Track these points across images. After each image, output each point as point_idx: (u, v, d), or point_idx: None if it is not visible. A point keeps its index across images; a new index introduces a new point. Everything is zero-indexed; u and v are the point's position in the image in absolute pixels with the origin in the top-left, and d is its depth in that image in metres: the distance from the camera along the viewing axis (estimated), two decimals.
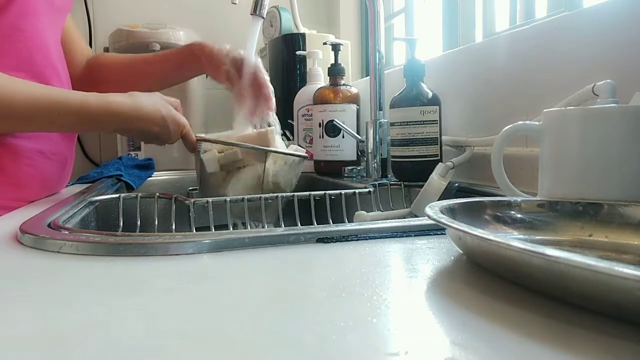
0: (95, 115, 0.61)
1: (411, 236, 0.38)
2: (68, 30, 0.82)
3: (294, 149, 0.74)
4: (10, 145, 0.62)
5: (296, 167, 0.73)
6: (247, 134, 0.72)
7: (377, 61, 0.82)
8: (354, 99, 0.96)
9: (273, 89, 0.79)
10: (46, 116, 0.59)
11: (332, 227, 0.38)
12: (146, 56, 0.90)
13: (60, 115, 0.59)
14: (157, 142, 0.70)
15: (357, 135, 0.88)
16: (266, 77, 0.79)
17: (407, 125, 0.71)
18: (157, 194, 0.64)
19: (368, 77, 0.87)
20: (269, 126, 0.75)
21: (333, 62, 0.98)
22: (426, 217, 0.31)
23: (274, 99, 0.78)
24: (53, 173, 0.71)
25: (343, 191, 0.68)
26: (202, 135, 0.72)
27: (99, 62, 0.88)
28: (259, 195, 0.65)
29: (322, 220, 0.63)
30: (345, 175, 0.88)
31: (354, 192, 0.70)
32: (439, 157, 0.71)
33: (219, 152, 0.70)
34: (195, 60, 0.81)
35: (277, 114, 0.79)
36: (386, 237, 0.38)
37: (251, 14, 0.76)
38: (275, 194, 0.66)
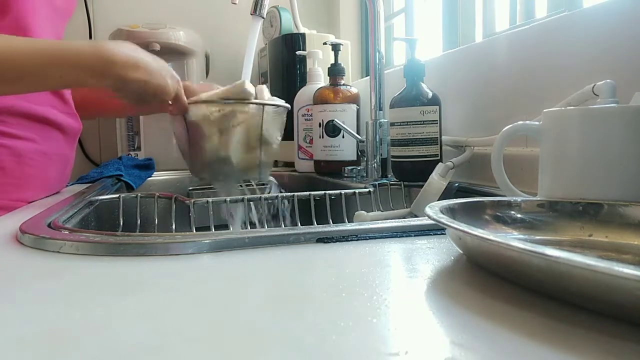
0: (92, 64, 0.56)
1: (411, 236, 0.38)
2: None
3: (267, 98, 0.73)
4: (13, 147, 0.63)
5: (279, 117, 0.72)
6: (225, 89, 0.71)
7: (377, 61, 0.82)
8: (354, 99, 0.96)
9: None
10: (39, 70, 0.54)
11: (332, 227, 0.38)
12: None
13: (55, 67, 0.55)
14: (154, 99, 0.64)
15: (357, 135, 0.88)
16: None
17: (407, 125, 0.71)
18: (157, 194, 0.64)
19: (368, 77, 0.87)
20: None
21: (333, 62, 0.98)
22: (426, 217, 0.31)
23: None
24: (54, 173, 0.71)
25: (343, 191, 0.68)
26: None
27: None
28: (259, 196, 0.65)
29: (322, 220, 0.63)
30: (345, 175, 0.88)
31: (354, 192, 0.70)
32: (439, 157, 0.71)
33: (210, 113, 0.68)
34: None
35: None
36: (386, 237, 0.38)
37: (251, 14, 0.76)
38: (276, 194, 0.66)
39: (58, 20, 0.72)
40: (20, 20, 0.62)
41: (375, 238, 0.37)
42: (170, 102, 0.65)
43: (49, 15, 0.68)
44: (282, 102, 0.72)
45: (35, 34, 0.65)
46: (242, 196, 0.64)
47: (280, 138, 0.74)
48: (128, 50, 0.59)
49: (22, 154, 0.64)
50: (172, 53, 1.19)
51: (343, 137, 0.93)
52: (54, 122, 0.69)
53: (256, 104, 0.67)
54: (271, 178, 0.74)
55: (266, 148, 0.69)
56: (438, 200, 0.51)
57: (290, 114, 1.07)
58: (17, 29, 0.62)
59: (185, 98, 0.66)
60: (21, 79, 0.55)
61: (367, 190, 0.72)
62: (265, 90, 0.72)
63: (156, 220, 0.62)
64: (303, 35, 1.19)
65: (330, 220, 0.67)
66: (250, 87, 0.68)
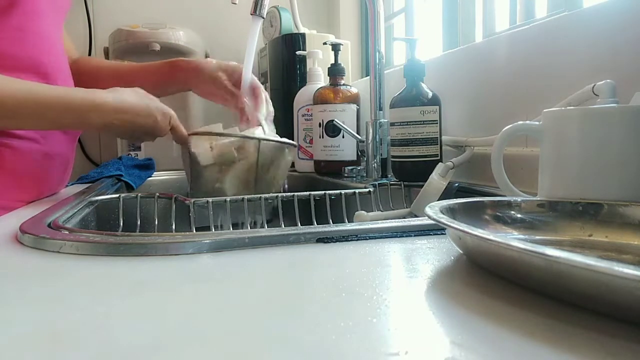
0: (80, 110, 0.60)
1: (411, 236, 0.38)
2: None
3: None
4: (15, 147, 0.63)
5: (286, 156, 0.73)
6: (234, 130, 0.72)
7: (377, 61, 0.82)
8: (354, 99, 0.96)
9: (268, 96, 0.78)
10: (32, 112, 0.58)
11: (332, 227, 0.38)
12: (132, 66, 0.88)
13: (46, 111, 0.58)
14: (147, 137, 0.68)
15: (357, 135, 0.88)
16: (260, 86, 0.78)
17: (407, 125, 0.71)
18: (157, 194, 0.64)
19: (368, 77, 0.88)
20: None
21: (333, 62, 0.98)
22: (426, 217, 0.31)
23: (265, 105, 0.77)
24: (55, 174, 0.71)
25: (343, 191, 0.68)
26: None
27: (83, 67, 0.86)
28: (259, 195, 0.65)
29: (322, 220, 0.63)
30: (345, 175, 0.88)
31: (354, 192, 0.70)
32: (439, 157, 0.71)
33: (211, 147, 0.69)
34: (181, 75, 0.80)
35: (274, 119, 0.78)
36: (386, 237, 0.38)
37: (251, 14, 0.76)
38: (275, 194, 0.66)
39: (58, 17, 0.72)
40: (24, 21, 0.63)
41: (375, 238, 0.37)
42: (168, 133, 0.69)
43: (51, 14, 0.68)
44: (285, 140, 0.72)
45: (40, 32, 0.65)
46: (242, 196, 0.64)
47: (283, 178, 0.74)
48: (114, 96, 0.62)
49: (24, 154, 0.64)
50: (172, 53, 1.19)
51: (343, 137, 0.93)
52: None
53: (253, 139, 0.68)
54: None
55: (261, 186, 0.69)
56: (438, 200, 0.51)
57: (290, 114, 1.07)
58: (21, 30, 0.62)
59: (183, 130, 0.70)
60: (16, 122, 0.59)
61: (367, 190, 0.72)
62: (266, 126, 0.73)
63: (156, 220, 0.62)
64: (303, 35, 1.19)
65: (330, 220, 0.67)
66: (259, 132, 0.70)
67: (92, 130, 0.63)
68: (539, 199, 0.40)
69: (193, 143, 0.70)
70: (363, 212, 0.65)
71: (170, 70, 0.81)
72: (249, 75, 0.77)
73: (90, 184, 0.81)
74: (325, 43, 1.01)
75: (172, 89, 0.84)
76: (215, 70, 0.78)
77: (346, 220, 0.68)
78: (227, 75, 0.78)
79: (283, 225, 0.64)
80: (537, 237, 0.36)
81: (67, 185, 0.81)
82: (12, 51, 0.62)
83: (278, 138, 0.72)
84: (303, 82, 1.10)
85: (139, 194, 0.64)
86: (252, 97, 0.77)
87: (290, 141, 0.73)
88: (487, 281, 0.27)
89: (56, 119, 0.60)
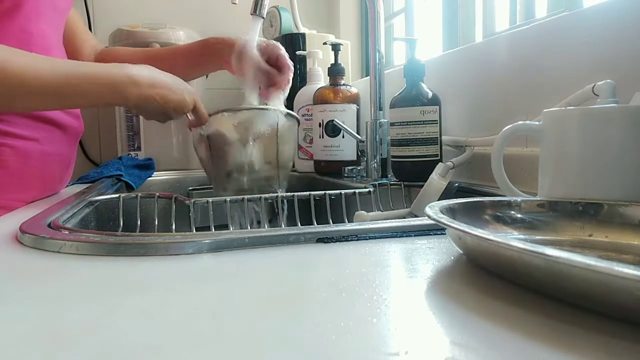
0: (120, 84, 0.61)
1: (411, 236, 0.38)
2: (73, 25, 0.82)
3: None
4: (17, 147, 0.63)
5: (295, 131, 0.76)
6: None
7: (377, 61, 0.82)
8: (354, 99, 0.96)
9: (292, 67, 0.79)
10: (74, 90, 0.58)
11: (332, 227, 0.38)
12: (162, 50, 0.89)
13: (88, 87, 0.59)
14: (174, 113, 0.68)
15: (357, 135, 0.88)
16: (285, 55, 0.79)
17: (407, 125, 0.71)
18: (157, 194, 0.64)
19: (368, 77, 0.88)
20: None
21: (333, 62, 0.98)
22: (426, 217, 0.31)
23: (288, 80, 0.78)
24: (56, 174, 0.71)
25: (343, 191, 0.68)
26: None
27: (110, 55, 0.87)
28: (259, 196, 0.65)
29: (322, 220, 0.63)
30: (345, 175, 0.88)
31: (354, 192, 0.70)
32: (439, 157, 0.71)
33: (233, 125, 0.71)
34: (215, 51, 0.81)
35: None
36: (386, 237, 0.38)
37: (251, 14, 0.76)
38: (276, 194, 0.66)
39: (58, 18, 0.72)
40: (27, 23, 0.63)
41: (375, 238, 0.37)
42: (189, 115, 0.69)
43: (51, 15, 0.68)
44: (294, 113, 0.75)
45: (41, 35, 0.65)
46: (241, 196, 0.64)
47: (294, 149, 0.76)
48: (147, 72, 0.63)
49: (26, 154, 0.64)
50: None
51: (343, 137, 0.93)
52: (57, 122, 0.69)
53: (270, 109, 0.70)
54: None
55: (282, 158, 0.72)
56: (438, 200, 0.51)
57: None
58: (23, 33, 0.62)
59: (204, 110, 0.71)
60: (46, 95, 0.58)
61: (367, 190, 0.72)
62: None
63: (156, 220, 0.62)
64: (303, 35, 1.19)
65: (330, 220, 0.67)
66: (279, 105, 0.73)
67: (128, 105, 0.63)
68: (539, 199, 0.40)
69: (216, 122, 0.71)
70: (363, 212, 0.65)
71: (202, 48, 0.82)
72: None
73: (90, 184, 0.81)
74: (325, 43, 1.01)
75: (205, 69, 0.86)
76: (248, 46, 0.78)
77: (346, 220, 0.68)
78: (261, 52, 0.78)
79: (283, 225, 0.64)
80: (537, 237, 0.36)
81: (67, 185, 0.81)
82: None
83: (290, 112, 0.74)
84: (303, 82, 1.10)
85: (139, 194, 0.64)
86: (277, 67, 0.77)
87: (296, 115, 0.76)
88: (487, 281, 0.27)
89: (97, 95, 0.60)
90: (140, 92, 0.62)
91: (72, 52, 0.81)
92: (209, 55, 0.82)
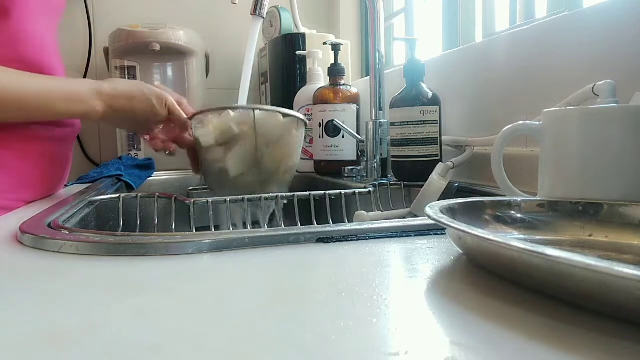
0: (84, 98, 0.62)
1: (411, 236, 0.38)
2: None
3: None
4: (17, 148, 0.63)
5: (292, 132, 0.71)
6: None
7: (377, 61, 0.82)
8: (354, 99, 0.96)
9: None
10: (39, 105, 0.59)
11: (332, 227, 0.38)
12: None
13: (53, 102, 0.60)
14: (148, 124, 0.68)
15: (357, 135, 0.88)
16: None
17: (407, 125, 0.71)
18: (157, 194, 0.64)
19: (368, 77, 0.88)
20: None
21: (333, 62, 0.98)
22: (426, 217, 0.31)
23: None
24: (54, 174, 0.71)
25: (343, 191, 0.68)
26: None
27: None
28: (259, 196, 0.65)
29: (322, 220, 0.63)
30: (345, 175, 0.88)
31: (354, 192, 0.70)
32: (439, 157, 0.71)
33: (213, 129, 0.69)
34: None
35: None
36: (386, 237, 0.38)
37: (251, 14, 0.76)
38: (275, 194, 0.66)
39: (52, 18, 0.72)
40: (21, 24, 0.63)
41: (375, 238, 0.37)
42: (166, 121, 0.69)
43: (44, 15, 0.68)
44: (287, 110, 0.70)
45: (37, 35, 0.65)
46: (242, 196, 0.64)
47: (293, 157, 0.72)
48: (109, 84, 0.65)
49: (24, 154, 0.64)
50: (172, 53, 1.20)
51: (343, 137, 0.93)
52: (54, 121, 0.69)
53: (247, 108, 0.68)
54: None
55: (272, 164, 0.69)
56: (438, 200, 0.51)
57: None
58: (18, 33, 0.62)
59: (181, 113, 0.70)
60: (11, 110, 0.59)
61: (367, 190, 0.72)
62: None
63: (156, 220, 0.62)
64: (303, 35, 1.19)
65: (330, 220, 0.67)
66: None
67: (95, 117, 0.64)
68: (539, 199, 0.40)
69: (194, 126, 0.70)
70: (363, 212, 0.65)
71: None
72: (249, 75, 0.76)
73: (90, 184, 0.81)
74: (325, 43, 1.01)
75: None
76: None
77: (346, 220, 0.68)
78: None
79: (283, 225, 0.64)
80: (537, 237, 0.36)
81: (67, 185, 0.81)
82: (12, 54, 0.62)
83: (277, 108, 0.70)
84: (303, 82, 1.10)
85: (139, 194, 0.64)
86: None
87: (295, 113, 0.71)
88: (487, 281, 0.27)
89: (64, 108, 0.61)
90: (105, 104, 0.63)
91: None
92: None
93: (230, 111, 0.69)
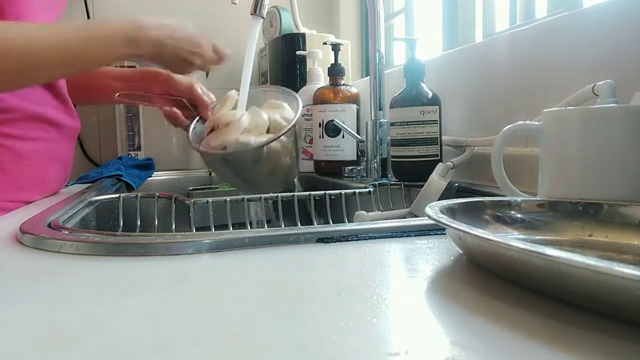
0: (128, 30, 0.60)
1: (411, 236, 0.38)
2: None
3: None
4: (13, 148, 0.63)
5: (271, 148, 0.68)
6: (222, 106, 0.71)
7: (377, 61, 0.82)
8: (354, 99, 0.96)
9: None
10: (86, 47, 0.57)
11: (332, 227, 0.38)
12: (103, 70, 0.84)
13: (99, 40, 0.57)
14: (190, 55, 0.65)
15: (357, 135, 0.88)
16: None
17: (407, 125, 0.71)
18: (157, 194, 0.64)
19: (368, 77, 0.88)
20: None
21: (333, 62, 0.98)
22: (426, 217, 0.31)
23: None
24: (54, 174, 0.71)
25: (343, 191, 0.68)
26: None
27: None
28: (259, 196, 0.65)
29: (322, 220, 0.63)
30: (345, 175, 0.88)
31: (354, 192, 0.70)
32: (439, 157, 0.71)
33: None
34: (154, 83, 0.79)
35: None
36: (386, 237, 0.38)
37: (251, 14, 0.76)
38: (275, 194, 0.66)
39: (51, 15, 0.72)
40: (21, 17, 0.62)
41: (375, 238, 0.37)
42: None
43: (43, 13, 0.68)
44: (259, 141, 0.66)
45: None
46: (242, 196, 0.64)
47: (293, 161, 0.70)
48: (152, 18, 0.64)
49: (23, 154, 0.64)
50: None
51: (343, 137, 0.93)
52: (54, 122, 0.69)
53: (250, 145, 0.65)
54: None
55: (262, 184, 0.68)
56: (438, 200, 0.51)
57: None
58: None
59: (219, 46, 0.69)
60: (59, 65, 0.56)
61: (367, 190, 0.72)
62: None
63: (156, 220, 0.62)
64: (303, 35, 1.19)
65: (330, 220, 0.67)
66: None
67: (143, 54, 0.62)
68: (539, 199, 0.40)
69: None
70: (363, 212, 0.65)
71: (142, 74, 0.80)
72: (249, 75, 0.76)
73: (90, 184, 0.81)
74: (325, 43, 1.01)
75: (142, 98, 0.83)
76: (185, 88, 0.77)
77: (346, 220, 0.68)
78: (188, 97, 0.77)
79: (283, 225, 0.64)
80: (537, 237, 0.36)
81: (67, 185, 0.81)
82: None
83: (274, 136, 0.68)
84: (303, 82, 1.10)
85: (139, 194, 0.64)
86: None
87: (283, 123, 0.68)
88: (487, 281, 0.27)
89: (111, 47, 0.59)
90: (148, 35, 0.61)
91: None
92: (148, 82, 0.79)
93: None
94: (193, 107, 0.76)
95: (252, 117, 0.68)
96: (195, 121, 0.73)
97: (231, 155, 0.65)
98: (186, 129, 0.73)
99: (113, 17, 0.59)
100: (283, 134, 0.65)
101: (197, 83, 0.77)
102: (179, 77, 0.77)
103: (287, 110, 0.70)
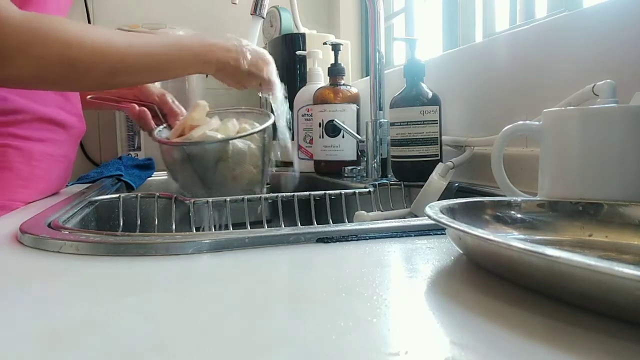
0: (204, 52, 0.64)
1: (411, 236, 0.38)
2: None
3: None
4: (22, 148, 0.63)
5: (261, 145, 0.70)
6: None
7: (377, 61, 0.82)
8: (354, 99, 0.96)
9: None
10: (169, 61, 0.61)
11: (332, 227, 0.38)
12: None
13: (181, 55, 0.62)
14: (249, 79, 0.68)
15: (357, 135, 0.88)
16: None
17: (407, 125, 0.71)
18: (157, 194, 0.64)
19: (368, 77, 0.88)
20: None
21: (333, 62, 0.98)
22: (426, 217, 0.31)
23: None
24: (57, 174, 0.71)
25: (343, 191, 0.68)
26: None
27: None
28: (258, 196, 0.65)
29: (322, 220, 0.63)
30: (345, 175, 0.88)
31: (354, 192, 0.70)
32: (439, 157, 0.71)
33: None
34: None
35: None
36: (386, 237, 0.38)
37: (251, 14, 0.76)
38: (276, 194, 0.66)
39: (64, 11, 0.72)
40: None
41: (375, 238, 0.37)
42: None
43: (55, 12, 0.68)
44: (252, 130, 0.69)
45: None
46: (242, 196, 0.64)
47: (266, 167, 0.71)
48: (219, 41, 0.66)
49: (31, 155, 0.64)
50: None
51: (343, 137, 0.93)
52: (61, 123, 0.69)
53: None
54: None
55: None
56: (438, 200, 0.51)
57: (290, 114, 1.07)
58: None
59: (276, 78, 0.71)
60: (142, 72, 0.60)
61: (367, 190, 0.72)
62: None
63: (156, 220, 0.62)
64: (303, 35, 1.19)
65: (330, 220, 0.67)
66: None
67: (210, 71, 0.66)
68: (539, 199, 0.40)
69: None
70: (363, 212, 0.65)
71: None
72: None
73: (90, 184, 0.81)
74: (325, 43, 1.01)
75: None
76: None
77: (346, 220, 0.68)
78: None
79: (283, 225, 0.64)
80: (537, 237, 0.36)
81: (67, 185, 0.81)
82: None
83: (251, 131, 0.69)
84: (303, 82, 1.10)
85: (139, 194, 0.64)
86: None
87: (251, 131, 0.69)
88: (487, 281, 0.27)
89: (187, 64, 0.64)
90: (219, 58, 0.65)
91: None
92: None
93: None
94: (162, 115, 0.79)
95: (223, 120, 0.70)
96: (162, 126, 0.76)
97: (195, 149, 0.66)
98: (151, 131, 0.76)
99: (190, 36, 0.62)
100: (251, 134, 0.68)
101: (169, 94, 0.80)
102: (151, 85, 0.79)
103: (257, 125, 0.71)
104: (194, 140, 0.66)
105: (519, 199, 0.39)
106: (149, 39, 0.60)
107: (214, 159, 0.67)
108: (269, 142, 0.72)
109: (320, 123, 0.95)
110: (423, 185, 0.64)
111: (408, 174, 0.73)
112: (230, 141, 0.67)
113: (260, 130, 0.69)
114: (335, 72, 0.96)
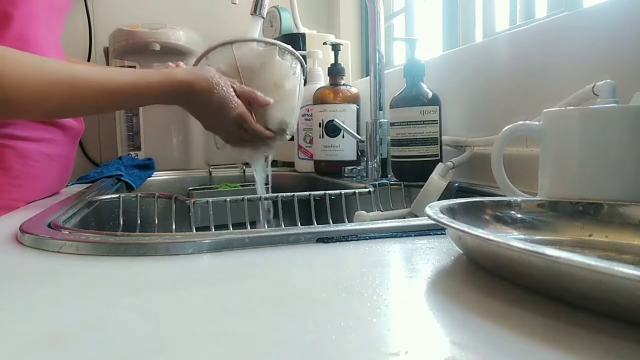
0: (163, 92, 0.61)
1: (411, 236, 0.38)
2: None
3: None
4: (19, 148, 0.63)
5: (279, 62, 0.70)
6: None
7: (377, 61, 0.82)
8: (354, 99, 0.96)
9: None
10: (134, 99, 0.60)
11: (332, 227, 0.38)
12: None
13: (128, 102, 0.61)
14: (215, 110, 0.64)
15: (357, 135, 0.88)
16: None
17: (407, 125, 0.71)
18: (157, 194, 0.64)
19: (368, 77, 0.88)
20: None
21: (333, 62, 0.98)
22: (426, 217, 0.31)
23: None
24: (56, 174, 0.71)
25: (343, 191, 0.68)
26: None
27: None
28: (259, 196, 0.65)
29: (322, 220, 0.63)
30: (345, 175, 0.88)
31: (354, 192, 0.70)
32: (439, 157, 0.71)
33: None
34: None
35: None
36: (386, 237, 0.38)
37: (251, 14, 0.76)
38: (275, 194, 0.66)
39: (57, 20, 0.72)
40: (23, 30, 0.62)
41: (375, 238, 0.37)
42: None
43: (48, 20, 0.68)
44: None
45: (37, 43, 0.64)
46: (242, 196, 0.64)
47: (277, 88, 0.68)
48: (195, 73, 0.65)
49: (28, 155, 0.64)
50: (172, 53, 1.19)
51: (343, 137, 0.93)
52: (59, 123, 0.69)
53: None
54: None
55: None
56: (438, 200, 0.51)
57: None
58: (19, 39, 0.62)
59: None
60: (98, 102, 0.58)
61: (367, 190, 0.72)
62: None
63: (156, 220, 0.62)
64: (303, 35, 1.19)
65: (330, 220, 0.67)
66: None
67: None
68: (539, 199, 0.40)
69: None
70: (363, 212, 0.65)
71: None
72: None
73: (90, 184, 0.81)
74: (325, 43, 1.01)
75: None
76: None
77: (346, 220, 0.68)
78: None
79: (283, 225, 0.64)
80: (537, 237, 0.36)
81: (67, 185, 0.81)
82: None
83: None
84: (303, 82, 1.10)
85: (139, 194, 0.64)
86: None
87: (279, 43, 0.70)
88: (487, 281, 0.27)
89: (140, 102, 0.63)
90: (188, 97, 0.62)
91: None
92: None
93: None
94: None
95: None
96: None
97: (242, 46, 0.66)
98: None
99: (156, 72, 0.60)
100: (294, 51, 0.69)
101: None
102: None
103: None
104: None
105: (519, 199, 0.39)
106: (112, 71, 0.59)
107: (259, 64, 0.68)
108: (300, 92, 0.71)
109: (320, 123, 0.95)
110: (423, 185, 0.64)
111: (408, 174, 0.73)
112: (277, 54, 0.68)
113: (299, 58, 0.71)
114: (335, 72, 0.96)
